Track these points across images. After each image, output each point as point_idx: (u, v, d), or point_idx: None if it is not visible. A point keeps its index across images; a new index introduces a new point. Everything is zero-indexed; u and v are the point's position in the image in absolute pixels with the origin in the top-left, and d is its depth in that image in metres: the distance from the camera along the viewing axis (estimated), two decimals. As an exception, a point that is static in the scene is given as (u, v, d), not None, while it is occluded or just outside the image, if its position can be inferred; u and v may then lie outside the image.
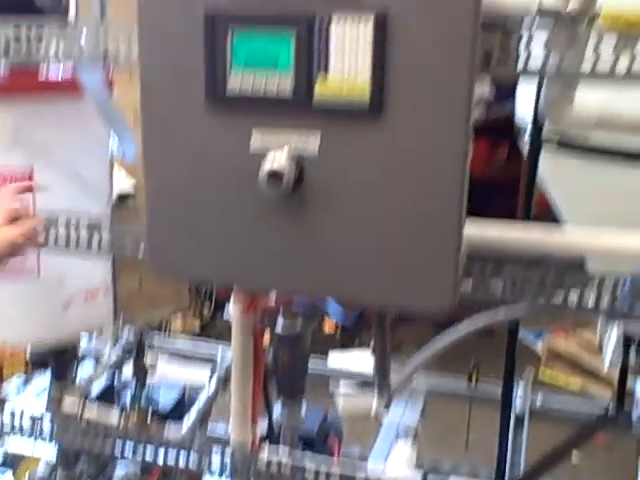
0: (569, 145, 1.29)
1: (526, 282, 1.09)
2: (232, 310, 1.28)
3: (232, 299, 1.28)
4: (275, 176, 0.95)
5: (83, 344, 2.06)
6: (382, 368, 1.28)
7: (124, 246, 1.35)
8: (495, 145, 4.01)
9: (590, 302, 1.08)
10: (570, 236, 1.07)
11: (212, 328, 4.02)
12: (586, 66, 0.94)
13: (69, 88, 1.48)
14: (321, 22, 0.91)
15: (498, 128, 2.87)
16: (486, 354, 2.15)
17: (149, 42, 1.01)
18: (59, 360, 1.74)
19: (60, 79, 1.53)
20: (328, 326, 3.55)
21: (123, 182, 3.13)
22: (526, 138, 1.45)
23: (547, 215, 1.57)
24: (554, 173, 1.43)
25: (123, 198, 3.13)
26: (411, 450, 1.76)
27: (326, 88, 0.93)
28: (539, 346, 3.92)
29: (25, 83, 1.50)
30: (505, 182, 3.78)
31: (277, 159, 0.96)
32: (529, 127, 1.37)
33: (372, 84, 0.91)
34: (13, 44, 1.21)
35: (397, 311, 1.09)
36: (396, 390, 1.38)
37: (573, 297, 1.09)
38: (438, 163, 0.93)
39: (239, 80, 0.96)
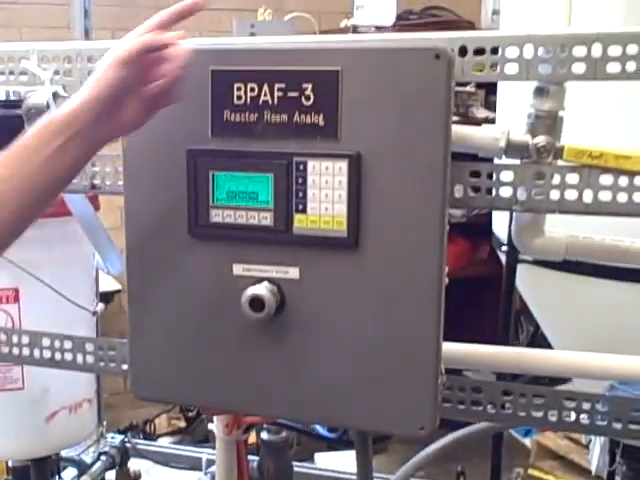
0: (544, 262, 1.33)
1: (502, 400, 1.10)
2: (215, 428, 1.29)
3: (215, 418, 1.29)
4: (257, 302, 0.99)
5: (65, 452, 2.05)
6: (364, 472, 1.28)
7: (108, 364, 1.36)
8: (476, 244, 4.07)
9: (569, 418, 1.10)
10: (545, 358, 1.09)
11: (197, 427, 3.97)
12: (553, 198, 0.98)
13: (55, 209, 1.52)
14: (298, 165, 0.96)
15: (480, 227, 2.93)
16: (473, 451, 2.13)
17: (133, 176, 1.06)
18: (40, 470, 1.72)
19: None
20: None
21: (110, 282, 3.16)
22: (503, 249, 1.50)
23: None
24: (530, 286, 1.47)
25: (110, 295, 3.15)
26: None
27: (305, 222, 0.97)
28: (528, 442, 3.89)
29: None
30: (487, 280, 3.82)
31: (259, 286, 0.99)
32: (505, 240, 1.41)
33: (348, 218, 0.95)
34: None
35: (377, 433, 1.11)
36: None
37: (553, 412, 1.10)
38: (414, 290, 0.96)
39: (221, 214, 1.01)
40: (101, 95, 0.91)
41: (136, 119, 0.95)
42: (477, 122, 2.41)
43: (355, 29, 2.87)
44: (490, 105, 2.90)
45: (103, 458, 1.82)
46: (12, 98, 1.49)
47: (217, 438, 1.30)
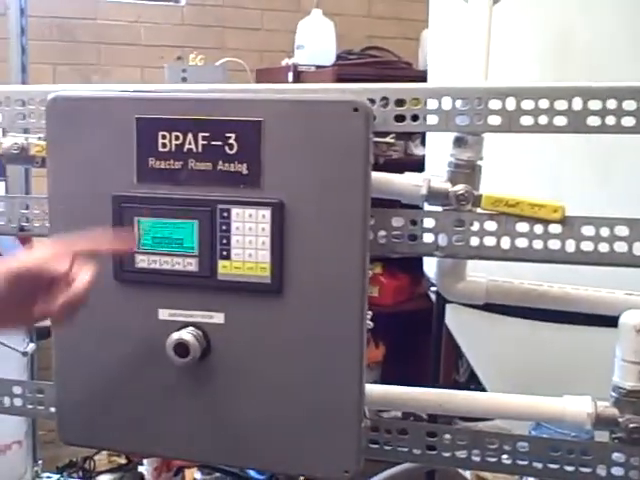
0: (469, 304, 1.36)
1: (429, 442, 1.11)
2: (145, 471, 1.28)
3: (144, 461, 1.28)
4: (181, 347, 0.99)
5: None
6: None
7: (36, 408, 1.34)
8: (416, 278, 4.11)
9: (492, 458, 1.12)
10: (467, 399, 1.12)
11: (138, 464, 3.91)
12: (473, 244, 1.01)
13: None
14: (222, 212, 0.98)
15: (420, 262, 2.97)
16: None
17: (58, 220, 1.06)
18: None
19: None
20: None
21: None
22: (432, 289, 1.54)
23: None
24: (458, 325, 1.50)
25: (48, 330, 3.11)
26: None
27: (229, 268, 0.99)
28: (469, 474, 3.92)
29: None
30: (425, 314, 3.87)
31: (183, 331, 1.00)
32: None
33: (271, 265, 0.97)
34: None
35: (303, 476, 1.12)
36: None
37: (476, 452, 1.12)
38: (336, 334, 0.98)
39: (146, 259, 1.01)
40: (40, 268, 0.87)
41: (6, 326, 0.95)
42: (414, 160, 2.46)
43: (295, 68, 2.91)
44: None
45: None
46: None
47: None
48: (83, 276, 0.87)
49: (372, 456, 1.08)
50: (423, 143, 3.21)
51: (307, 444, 1.00)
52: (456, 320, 1.48)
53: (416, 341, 3.95)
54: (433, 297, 1.60)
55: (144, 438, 1.07)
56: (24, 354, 1.65)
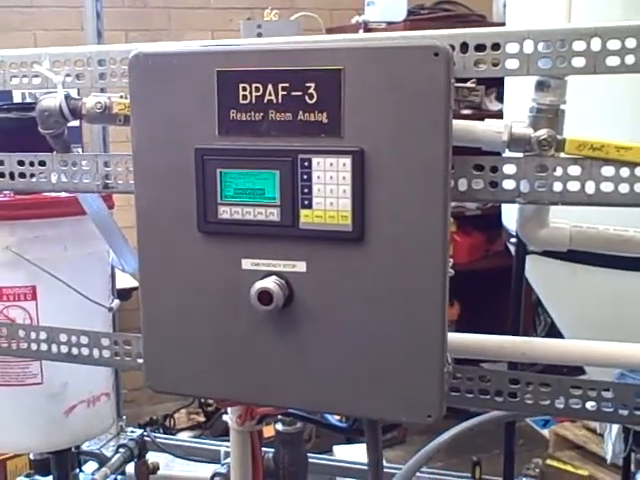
0: (551, 253, 1.34)
1: (510, 388, 1.11)
2: (229, 419, 1.32)
3: (229, 410, 1.31)
4: (265, 296, 1.01)
5: (85, 446, 2.08)
6: (375, 464, 1.30)
7: (124, 358, 1.39)
8: (491, 236, 4.07)
9: (576, 405, 1.11)
10: (550, 346, 1.11)
11: (216, 422, 4.01)
12: (556, 190, 1.00)
13: (69, 208, 1.56)
14: (303, 162, 0.98)
15: (494, 220, 2.94)
16: (492, 442, 2.15)
17: (143, 175, 1.08)
18: (61, 462, 1.75)
19: (62, 199, 1.61)
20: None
21: (127, 279, 3.19)
22: (512, 241, 1.52)
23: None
24: (539, 277, 1.48)
25: (128, 292, 3.19)
26: None
27: (310, 217, 1.00)
28: (547, 433, 3.89)
29: (27, 205, 1.58)
30: (502, 272, 3.84)
31: (266, 281, 1.02)
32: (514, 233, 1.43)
33: (352, 213, 0.98)
34: (17, 176, 1.28)
35: (386, 421, 1.13)
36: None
37: (560, 400, 1.12)
38: (418, 281, 0.98)
39: (229, 211, 1.03)
40: None
41: None
42: (491, 115, 2.42)
43: (366, 25, 2.89)
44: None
45: (122, 450, 1.85)
46: (28, 101, 1.53)
47: (231, 429, 1.32)
48: None
49: (454, 403, 1.09)
50: (498, 99, 3.16)
51: (390, 389, 1.01)
52: (537, 272, 1.46)
53: (491, 299, 3.93)
54: (512, 250, 1.58)
55: (229, 385, 1.10)
56: (109, 309, 1.71)
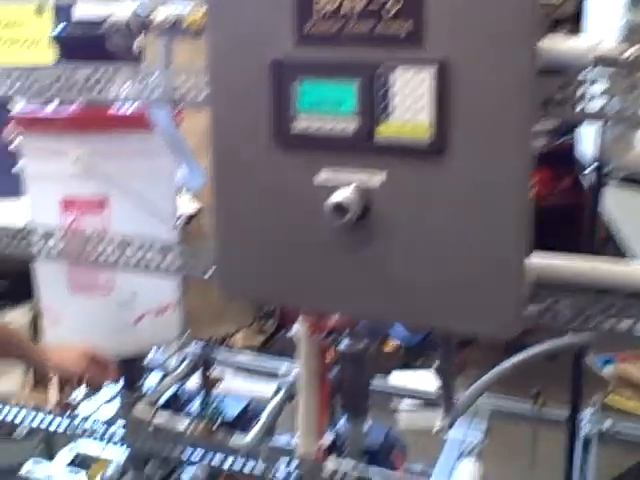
0: (633, 180, 1.30)
1: (591, 310, 1.10)
2: (298, 330, 1.33)
3: (299, 319, 1.33)
4: (340, 209, 1.00)
5: (150, 357, 2.14)
6: (447, 386, 1.30)
7: (193, 268, 1.41)
8: (559, 173, 3.98)
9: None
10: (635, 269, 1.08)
11: (273, 345, 4.08)
12: (645, 109, 0.96)
13: (139, 122, 1.56)
14: (382, 73, 0.96)
15: (563, 156, 2.86)
16: (550, 378, 2.14)
17: (218, 85, 1.08)
18: (129, 369, 1.81)
19: (130, 114, 1.62)
20: (390, 345, 3.58)
21: (187, 205, 3.23)
22: (587, 171, 1.47)
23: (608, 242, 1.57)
24: (619, 207, 1.44)
25: (187, 219, 3.23)
26: (477, 467, 1.76)
27: (388, 129, 0.97)
28: (607, 372, 3.86)
29: (98, 118, 1.59)
30: (569, 210, 3.75)
31: (341, 193, 1.01)
32: (590, 162, 1.38)
33: (433, 126, 0.95)
34: (87, 87, 1.29)
35: (462, 335, 1.12)
36: (461, 409, 1.40)
37: (638, 326, 1.10)
38: (500, 197, 0.96)
39: (304, 122, 1.02)
40: (65, 369, 1.62)
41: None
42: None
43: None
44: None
45: (187, 361, 1.89)
46: (95, 18, 1.52)
47: (300, 340, 1.34)
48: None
49: (533, 321, 1.08)
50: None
51: (468, 302, 1.00)
52: (615, 203, 1.42)
53: (558, 238, 3.86)
54: (585, 184, 1.53)
55: (302, 293, 1.10)
56: (175, 226, 1.73)
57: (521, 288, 0.99)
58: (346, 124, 1.00)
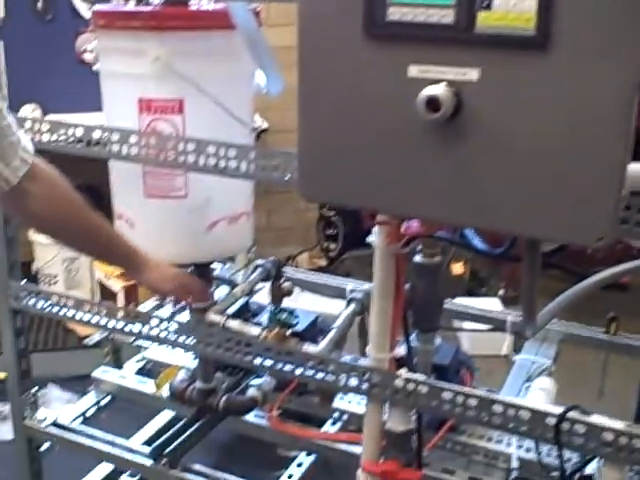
0: None
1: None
2: (375, 236, 1.30)
3: (376, 226, 1.29)
4: (433, 103, 0.96)
5: (217, 270, 2.15)
6: (529, 303, 1.26)
7: (269, 172, 1.39)
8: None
9: None
10: None
11: (337, 267, 4.07)
12: None
13: (219, 21, 1.52)
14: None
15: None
16: (621, 309, 2.08)
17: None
18: (201, 275, 1.80)
19: (211, 12, 1.58)
20: (456, 269, 3.55)
21: (256, 120, 3.20)
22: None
23: None
24: None
25: (257, 136, 3.20)
26: (550, 385, 1.75)
27: (489, 19, 0.92)
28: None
29: (179, 15, 1.56)
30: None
31: (436, 87, 0.96)
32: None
33: (538, 16, 0.89)
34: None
35: (550, 242, 1.08)
36: (532, 332, 1.36)
37: None
38: (603, 99, 0.90)
39: (399, 11, 0.96)
40: (156, 287, 1.69)
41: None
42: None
43: None
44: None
45: (257, 272, 1.88)
46: None
47: (377, 248, 1.30)
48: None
49: (622, 235, 1.03)
50: None
51: (560, 208, 0.96)
52: None
53: None
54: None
55: (385, 196, 1.07)
56: (252, 130, 1.70)
57: (618, 194, 0.94)
58: (443, 13, 0.94)
